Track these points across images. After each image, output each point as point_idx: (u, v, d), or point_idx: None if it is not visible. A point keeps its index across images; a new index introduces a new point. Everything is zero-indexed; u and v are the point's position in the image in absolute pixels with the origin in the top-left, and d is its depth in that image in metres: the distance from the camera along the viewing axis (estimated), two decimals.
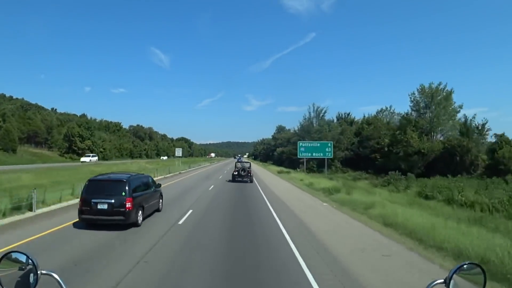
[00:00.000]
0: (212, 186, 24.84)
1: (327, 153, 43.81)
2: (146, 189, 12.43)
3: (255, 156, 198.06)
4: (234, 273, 6.77)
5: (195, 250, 8.36)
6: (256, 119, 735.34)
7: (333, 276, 6.54)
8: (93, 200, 10.42)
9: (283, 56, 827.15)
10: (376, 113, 58.40)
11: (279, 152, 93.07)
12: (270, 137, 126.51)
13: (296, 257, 7.75)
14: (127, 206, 10.48)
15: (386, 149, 47.57)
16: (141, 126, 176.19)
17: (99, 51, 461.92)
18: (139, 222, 11.15)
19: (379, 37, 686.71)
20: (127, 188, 10.71)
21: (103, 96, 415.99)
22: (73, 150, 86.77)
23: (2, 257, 1.88)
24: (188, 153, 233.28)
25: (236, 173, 30.80)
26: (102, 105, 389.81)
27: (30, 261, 1.87)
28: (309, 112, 72.32)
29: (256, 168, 70.52)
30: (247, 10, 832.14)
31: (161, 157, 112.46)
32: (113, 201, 10.42)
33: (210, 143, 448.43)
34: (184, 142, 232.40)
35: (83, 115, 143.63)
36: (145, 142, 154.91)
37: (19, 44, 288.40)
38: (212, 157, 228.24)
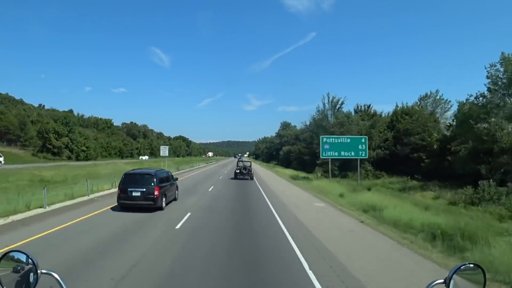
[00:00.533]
0: (188, 216, 12.94)
1: (360, 152, 31.82)
2: (167, 182, 15.50)
3: (256, 156, 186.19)
4: None
5: None
6: (256, 118, 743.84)
7: None
8: (129, 189, 13.50)
9: (283, 55, 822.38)
10: (419, 100, 46.06)
11: (286, 151, 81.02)
12: (274, 134, 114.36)
13: None
14: (155, 193, 13.52)
15: (435, 146, 35.55)
16: (135, 123, 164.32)
17: (99, 51, 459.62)
18: (163, 206, 14.24)
19: (380, 36, 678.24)
20: (155, 180, 13.78)
21: (103, 96, 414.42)
22: (47, 149, 74.73)
23: (2, 256, 1.86)
24: (186, 152, 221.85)
25: (238, 171, 33.48)
26: (103, 105, 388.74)
27: (30, 260, 1.84)
28: (323, 103, 60.20)
29: (261, 170, 58.51)
30: (248, 10, 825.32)
31: (141, 157, 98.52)
32: (144, 189, 13.46)
33: (210, 143, 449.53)
34: (182, 141, 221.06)
35: (70, 111, 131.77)
36: (138, 140, 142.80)
37: (18, 43, 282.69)
38: (209, 156, 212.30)
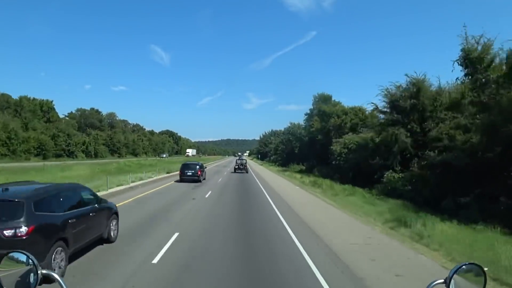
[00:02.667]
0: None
1: None
2: (203, 167, 30.38)
3: (262, 156, 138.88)
4: None
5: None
6: (256, 117, 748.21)
7: None
8: (185, 171, 27.95)
9: (283, 54, 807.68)
10: None
11: (362, 144, 33.30)
12: (304, 117, 66.09)
13: None
14: (198, 173, 28.16)
15: None
16: (96, 110, 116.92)
17: (99, 49, 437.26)
18: (202, 180, 28.74)
19: (381, 34, 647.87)
20: (198, 166, 28.89)
21: (103, 94, 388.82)
22: None
23: (2, 257, 1.84)
24: (174, 150, 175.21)
25: (237, 166, 46.19)
26: (102, 103, 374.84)
27: (30, 261, 1.83)
28: None
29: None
30: (248, 8, 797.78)
31: None
32: (193, 171, 28.02)
33: (209, 141, 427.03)
34: (168, 136, 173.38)
35: None
36: (89, 132, 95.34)
37: (18, 41, 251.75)
38: (189, 156, 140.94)
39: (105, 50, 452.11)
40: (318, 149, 46.02)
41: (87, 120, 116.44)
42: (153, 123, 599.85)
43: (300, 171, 52.96)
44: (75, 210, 6.86)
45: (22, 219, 5.35)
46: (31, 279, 1.82)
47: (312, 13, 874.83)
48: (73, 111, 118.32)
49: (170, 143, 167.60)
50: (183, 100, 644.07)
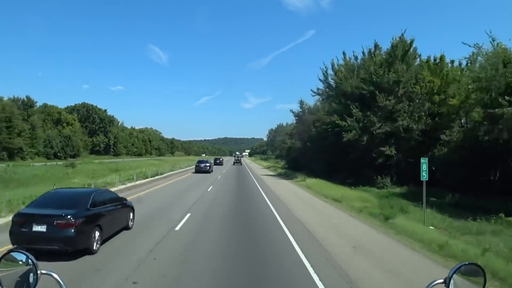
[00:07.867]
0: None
1: None
2: (212, 163, 45.97)
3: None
4: None
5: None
6: (254, 116, 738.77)
7: None
8: (199, 164, 41.89)
9: (281, 53, 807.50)
10: None
11: None
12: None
13: None
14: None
15: None
16: None
17: (97, 49, 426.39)
18: (211, 171, 41.58)
19: (380, 33, 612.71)
20: (212, 161, 49.43)
21: (101, 94, 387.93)
22: None
23: (2, 257, 1.82)
24: (101, 145, 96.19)
25: (235, 161, 71.89)
26: (101, 103, 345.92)
27: (30, 261, 1.81)
28: None
29: None
30: (246, 7, 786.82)
31: None
32: (208, 163, 42.49)
33: (205, 139, 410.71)
34: (71, 118, 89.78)
35: None
36: None
37: (16, 41, 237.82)
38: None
39: (103, 50, 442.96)
40: None
41: None
42: (151, 123, 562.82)
43: None
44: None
45: None
46: (31, 279, 1.78)
47: (311, 12, 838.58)
48: None
49: (73, 128, 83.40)
50: (181, 99, 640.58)
